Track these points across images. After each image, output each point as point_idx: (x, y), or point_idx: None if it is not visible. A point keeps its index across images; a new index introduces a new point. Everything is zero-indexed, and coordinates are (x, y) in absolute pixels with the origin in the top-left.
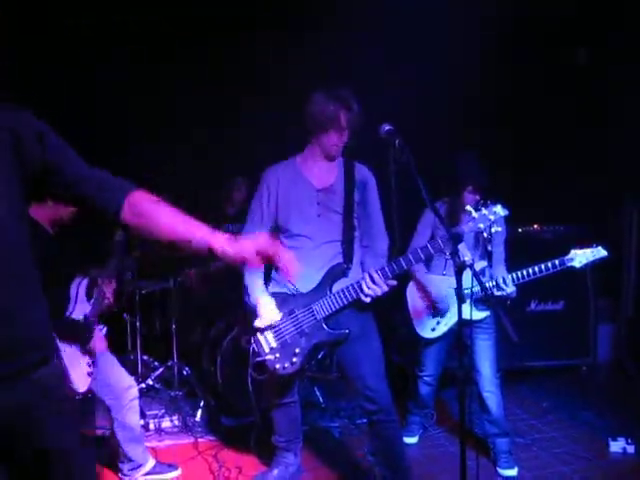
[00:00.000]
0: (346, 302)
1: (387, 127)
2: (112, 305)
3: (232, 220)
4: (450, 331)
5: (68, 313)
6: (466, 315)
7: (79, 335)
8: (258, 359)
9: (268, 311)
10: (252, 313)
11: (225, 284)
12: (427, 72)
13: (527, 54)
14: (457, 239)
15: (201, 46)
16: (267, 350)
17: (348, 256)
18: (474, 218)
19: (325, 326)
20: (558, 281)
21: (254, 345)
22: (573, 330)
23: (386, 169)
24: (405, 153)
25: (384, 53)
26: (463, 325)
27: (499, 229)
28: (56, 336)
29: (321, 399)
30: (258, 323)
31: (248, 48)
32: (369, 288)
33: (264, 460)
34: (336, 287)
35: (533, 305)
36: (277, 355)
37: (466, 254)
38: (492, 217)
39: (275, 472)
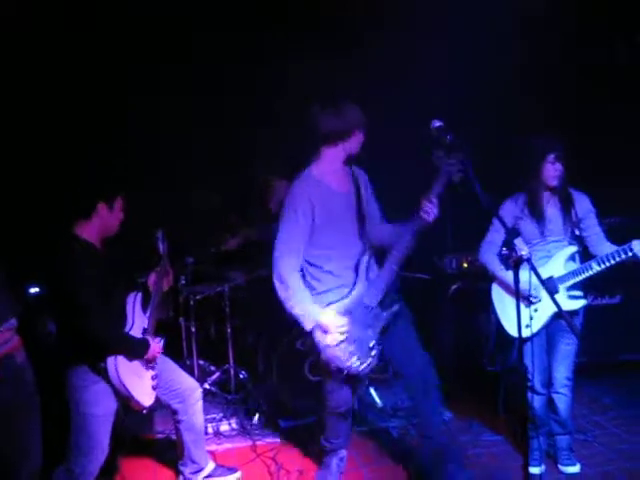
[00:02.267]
0: (387, 282)
1: (437, 123)
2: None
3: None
4: (545, 328)
5: (128, 329)
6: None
7: (139, 352)
8: (344, 369)
9: (332, 320)
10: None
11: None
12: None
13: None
14: (513, 234)
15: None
16: (347, 356)
17: (369, 248)
18: None
19: (380, 311)
20: (612, 275)
21: (334, 360)
22: (632, 324)
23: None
24: (458, 150)
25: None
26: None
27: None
28: (122, 353)
29: (377, 400)
30: (331, 338)
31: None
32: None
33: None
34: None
35: (589, 300)
36: (357, 357)
37: (523, 248)
38: None
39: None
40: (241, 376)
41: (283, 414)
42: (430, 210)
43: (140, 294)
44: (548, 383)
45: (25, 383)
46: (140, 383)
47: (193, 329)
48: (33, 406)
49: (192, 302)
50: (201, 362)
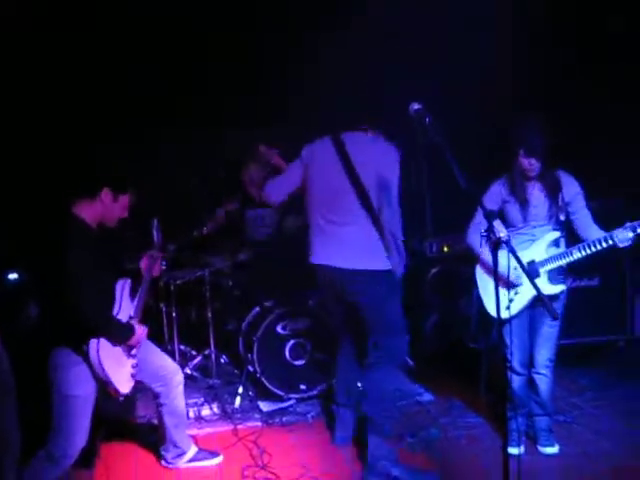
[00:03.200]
0: None
1: (416, 106)
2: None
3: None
4: (526, 311)
5: (114, 314)
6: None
7: (124, 336)
8: None
9: None
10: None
11: (257, 272)
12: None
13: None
14: (491, 216)
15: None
16: None
17: None
18: None
19: None
20: (592, 258)
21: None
22: (609, 306)
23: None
24: (436, 133)
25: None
26: (537, 302)
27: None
28: (106, 335)
29: None
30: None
31: None
32: None
33: (306, 442)
34: None
35: (569, 282)
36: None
37: (501, 230)
38: None
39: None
40: (222, 361)
41: (264, 398)
42: None
43: (129, 281)
44: (529, 364)
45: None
46: (120, 369)
47: (174, 314)
48: (8, 390)
49: (172, 287)
50: (182, 347)
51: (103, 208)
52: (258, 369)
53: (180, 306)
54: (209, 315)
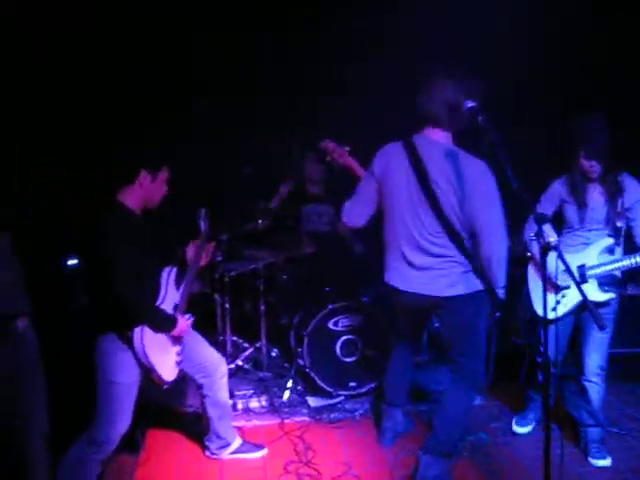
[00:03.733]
0: None
1: (470, 104)
2: (206, 264)
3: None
4: (571, 315)
5: (159, 303)
6: (588, 296)
7: (166, 327)
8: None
9: None
10: None
11: (312, 267)
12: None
13: None
14: (542, 220)
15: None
16: None
17: None
18: None
19: None
20: None
21: None
22: None
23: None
24: (490, 132)
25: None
26: (583, 308)
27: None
28: (148, 324)
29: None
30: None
31: None
32: None
33: (351, 440)
34: None
35: (630, 289)
36: None
37: (551, 235)
38: None
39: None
40: (273, 354)
41: (313, 393)
42: None
43: (175, 269)
44: (560, 364)
45: (27, 348)
46: (164, 357)
47: (227, 305)
48: (36, 371)
49: (227, 279)
50: (234, 338)
51: (143, 191)
52: (308, 364)
53: (234, 298)
54: (262, 308)
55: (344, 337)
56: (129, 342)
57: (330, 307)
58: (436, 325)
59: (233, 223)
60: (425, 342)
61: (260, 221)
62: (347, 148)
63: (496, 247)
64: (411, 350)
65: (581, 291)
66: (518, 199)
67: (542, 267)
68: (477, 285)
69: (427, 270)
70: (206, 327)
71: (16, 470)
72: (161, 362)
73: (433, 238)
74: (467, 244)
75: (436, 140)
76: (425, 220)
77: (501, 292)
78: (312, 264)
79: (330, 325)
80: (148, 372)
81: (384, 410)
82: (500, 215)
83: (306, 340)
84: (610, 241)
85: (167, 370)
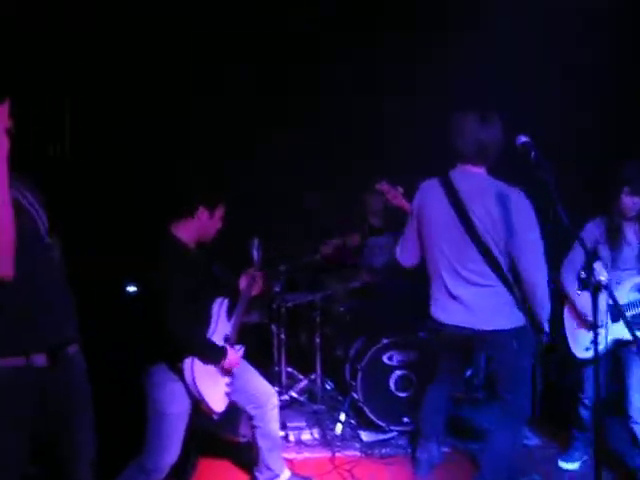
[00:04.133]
0: None
1: (523, 139)
2: (260, 291)
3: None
4: (608, 352)
5: (210, 334)
6: (621, 334)
7: (216, 359)
8: None
9: None
10: None
11: (370, 300)
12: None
13: None
14: (593, 257)
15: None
16: None
17: None
18: None
19: None
20: None
21: None
22: None
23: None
24: (542, 169)
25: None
26: (620, 346)
27: None
28: (198, 357)
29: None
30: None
31: None
32: None
33: (402, 476)
34: None
35: None
36: None
37: (602, 273)
38: None
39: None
40: (328, 387)
41: (366, 427)
42: None
43: (227, 300)
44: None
45: (75, 373)
46: (214, 388)
47: (283, 336)
48: (84, 397)
49: (284, 309)
50: (289, 370)
51: (200, 225)
52: (361, 397)
53: (290, 329)
54: (317, 340)
55: (398, 372)
56: (180, 373)
57: (384, 341)
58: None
59: (292, 254)
60: (481, 380)
61: (319, 254)
62: (401, 189)
63: (538, 274)
64: (450, 386)
65: (630, 329)
66: (567, 235)
67: (593, 307)
68: (520, 320)
69: (468, 300)
70: (262, 358)
71: None
72: (211, 393)
73: (473, 266)
74: (507, 274)
75: (471, 172)
76: (464, 249)
77: (546, 325)
78: (370, 297)
79: (385, 359)
80: (198, 403)
81: (420, 443)
82: (539, 242)
83: (360, 374)
84: (638, 279)
85: (217, 401)
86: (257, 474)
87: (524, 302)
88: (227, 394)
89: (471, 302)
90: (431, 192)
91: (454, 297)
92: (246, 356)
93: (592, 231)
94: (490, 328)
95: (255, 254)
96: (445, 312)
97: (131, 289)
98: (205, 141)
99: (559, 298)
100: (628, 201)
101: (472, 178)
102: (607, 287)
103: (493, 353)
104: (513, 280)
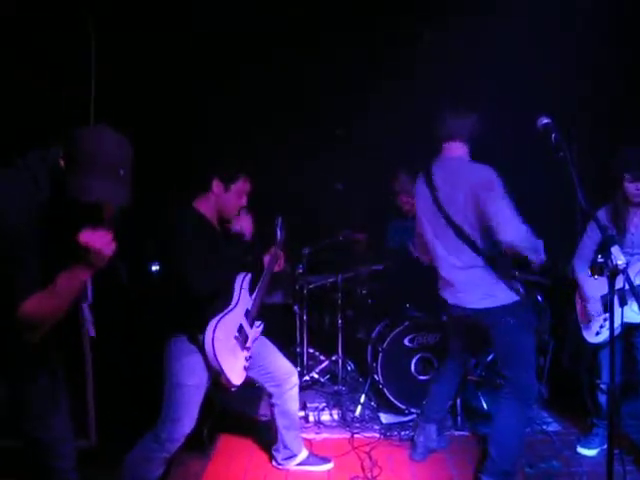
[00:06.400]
0: None
1: (545, 120)
2: (282, 269)
3: None
4: (619, 336)
5: (231, 308)
6: (630, 318)
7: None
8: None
9: None
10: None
11: (392, 282)
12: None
13: None
14: (610, 242)
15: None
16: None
17: None
18: None
19: None
20: None
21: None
22: None
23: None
24: (562, 150)
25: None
26: (630, 330)
27: None
28: (220, 329)
29: (485, 405)
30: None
31: None
32: None
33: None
34: None
35: None
36: None
37: (619, 258)
38: None
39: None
40: (349, 368)
41: (386, 409)
42: None
43: (249, 275)
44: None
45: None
46: (233, 361)
47: (305, 317)
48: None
49: (306, 291)
50: (311, 350)
51: (216, 200)
52: (381, 380)
53: (313, 310)
54: (340, 321)
55: (419, 354)
56: (200, 345)
57: (406, 324)
58: None
59: (317, 235)
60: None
61: (341, 236)
62: None
63: (514, 232)
64: (460, 368)
65: None
66: (587, 217)
67: (609, 291)
68: (512, 296)
69: (461, 283)
70: (285, 338)
71: None
72: (230, 366)
73: (455, 250)
74: (490, 252)
75: (446, 157)
76: (445, 235)
77: (540, 257)
78: (393, 279)
79: (406, 342)
80: (217, 375)
81: (418, 424)
82: (510, 208)
83: (381, 356)
84: None
85: (235, 374)
86: (275, 453)
87: (514, 277)
88: (245, 368)
89: (462, 285)
90: (419, 185)
91: (449, 282)
92: (269, 336)
93: (602, 218)
94: (484, 306)
95: (278, 233)
96: (446, 292)
97: (155, 268)
98: (234, 122)
99: (571, 284)
100: (632, 187)
101: (445, 162)
102: (624, 271)
103: (491, 332)
104: (499, 254)
